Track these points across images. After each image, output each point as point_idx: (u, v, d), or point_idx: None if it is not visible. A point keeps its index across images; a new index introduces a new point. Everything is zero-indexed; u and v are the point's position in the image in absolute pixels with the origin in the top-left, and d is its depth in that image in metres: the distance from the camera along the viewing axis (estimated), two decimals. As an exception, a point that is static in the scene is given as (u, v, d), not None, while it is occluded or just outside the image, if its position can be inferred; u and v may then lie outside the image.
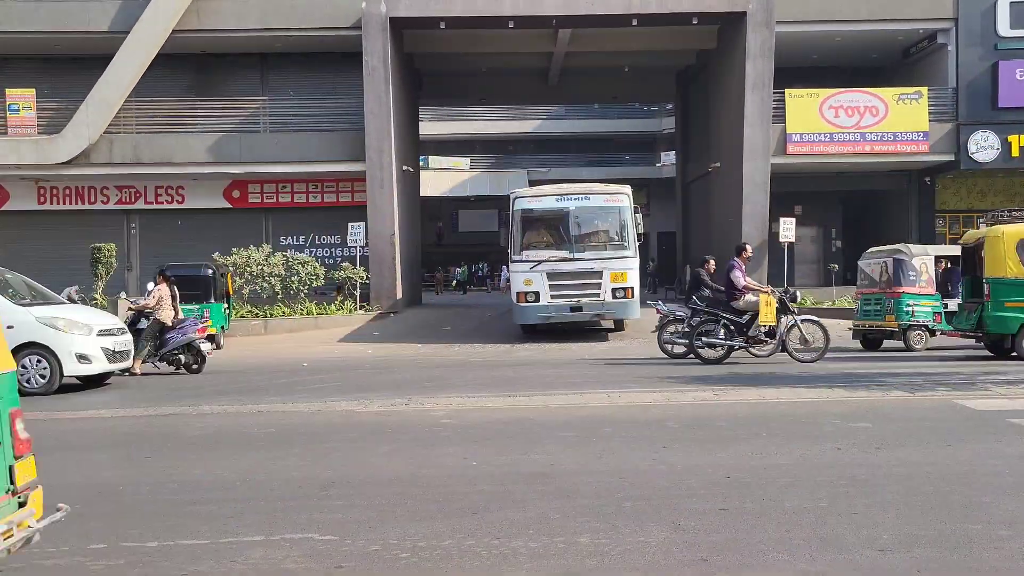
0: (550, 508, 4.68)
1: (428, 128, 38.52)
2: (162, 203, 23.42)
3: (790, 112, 23.08)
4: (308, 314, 19.35)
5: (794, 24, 22.67)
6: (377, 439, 6.84)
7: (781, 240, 22.45)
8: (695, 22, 22.96)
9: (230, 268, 18.74)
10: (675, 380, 10.04)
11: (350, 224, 20.77)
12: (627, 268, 16.08)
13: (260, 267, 19.28)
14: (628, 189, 16.80)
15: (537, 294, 15.98)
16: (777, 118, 22.73)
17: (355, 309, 20.16)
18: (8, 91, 22.01)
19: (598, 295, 15.91)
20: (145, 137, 22.04)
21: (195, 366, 12.36)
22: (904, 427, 6.92)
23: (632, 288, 16.06)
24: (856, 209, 28.54)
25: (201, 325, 12.73)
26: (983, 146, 22.70)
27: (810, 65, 25.80)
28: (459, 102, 39.07)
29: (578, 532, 4.22)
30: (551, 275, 15.91)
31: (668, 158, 42.63)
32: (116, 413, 8.58)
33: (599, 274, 15.92)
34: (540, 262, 16.04)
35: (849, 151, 23.27)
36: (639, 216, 16.96)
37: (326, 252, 23.40)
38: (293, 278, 19.52)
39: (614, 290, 15.93)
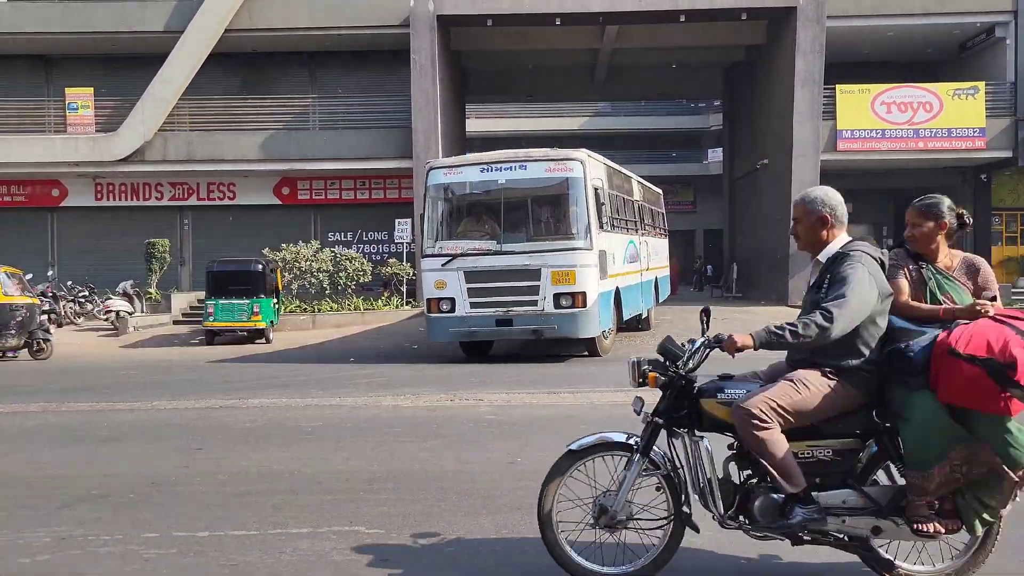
0: (594, 505, 4.67)
1: (474, 125, 38.64)
2: (214, 199, 23.83)
3: (841, 108, 22.70)
4: (355, 309, 19.54)
5: (845, 19, 22.30)
6: (423, 434, 6.89)
7: (831, 238, 22.10)
8: (744, 17, 22.71)
9: (279, 264, 19.02)
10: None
11: (397, 220, 20.92)
12: (575, 265, 11.52)
13: (308, 263, 19.52)
14: (584, 154, 12.09)
15: (452, 301, 11.89)
16: (827, 114, 22.38)
17: (401, 305, 20.31)
18: (68, 90, 22.61)
19: (535, 303, 11.60)
20: (198, 135, 22.44)
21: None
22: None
23: (583, 294, 11.51)
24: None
25: None
26: (1043, 142, 22.12)
27: (862, 60, 25.36)
28: (505, 99, 39.09)
29: (622, 530, 4.20)
30: (470, 275, 11.79)
31: (715, 155, 42.22)
32: (167, 405, 8.77)
33: (535, 273, 11.61)
34: (454, 257, 11.88)
35: (902, 148, 22.81)
36: (642, 193, 14.06)
37: (373, 248, 23.61)
38: (341, 274, 19.72)
39: (557, 296, 11.54)
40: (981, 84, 22.55)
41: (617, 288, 13.13)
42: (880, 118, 22.60)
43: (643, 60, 27.76)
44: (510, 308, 11.72)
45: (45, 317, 15.82)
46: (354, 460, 5.96)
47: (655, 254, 17.49)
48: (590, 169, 11.97)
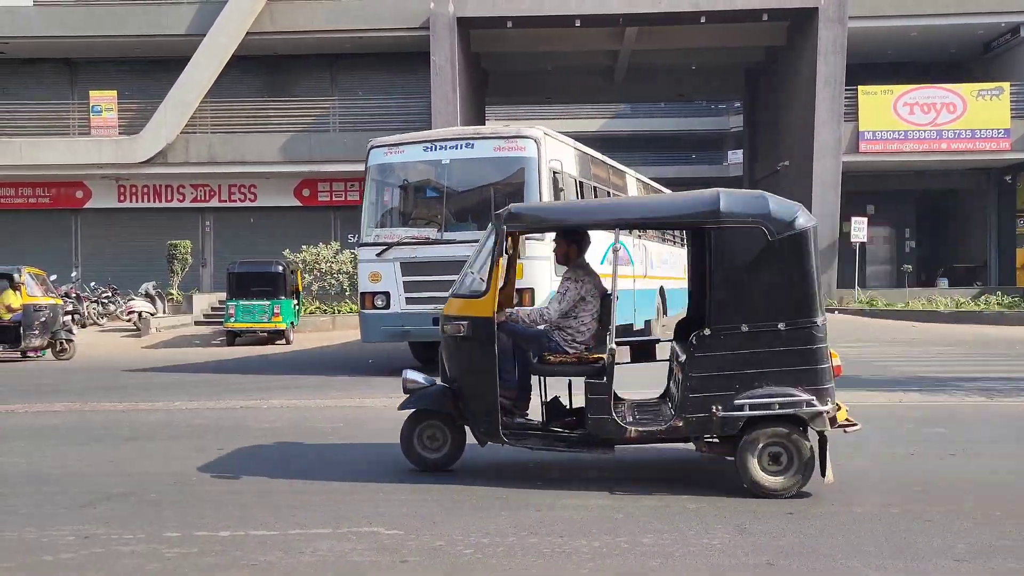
0: (613, 507, 4.67)
1: (494, 127, 38.59)
2: (235, 201, 23.99)
3: (863, 109, 22.54)
4: (374, 311, 19.58)
5: (868, 19, 22.15)
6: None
7: (853, 240, 21.96)
8: (765, 18, 22.61)
9: (300, 265, 19.12)
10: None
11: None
12: (528, 257, 9.83)
13: (329, 264, 19.61)
14: (539, 132, 10.71)
15: (387, 296, 10.69)
16: (849, 115, 22.23)
17: (420, 307, 20.34)
18: (92, 93, 22.86)
19: None
20: (220, 137, 22.61)
21: None
22: (982, 433, 6.70)
23: (531, 291, 10.01)
24: (931, 208, 27.73)
25: None
26: (1069, 143, 21.86)
27: (884, 61, 25.17)
28: (525, 101, 39.10)
29: (641, 532, 4.20)
30: (407, 266, 10.55)
31: (735, 156, 42.04)
32: (188, 406, 8.83)
33: None
34: (390, 246, 10.68)
35: (925, 149, 22.62)
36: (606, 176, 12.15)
37: (393, 250, 23.65)
38: (360, 275, 19.79)
39: None
40: (1006, 85, 22.33)
41: None
42: (903, 119, 22.43)
43: (663, 61, 27.69)
44: None
45: (68, 318, 15.99)
46: (373, 460, 5.98)
47: (662, 262, 16.15)
48: (547, 149, 10.56)
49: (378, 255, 10.70)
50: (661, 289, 15.67)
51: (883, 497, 4.83)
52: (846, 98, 21.95)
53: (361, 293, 11.07)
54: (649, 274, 15.02)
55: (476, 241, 9.50)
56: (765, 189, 5.89)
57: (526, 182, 10.38)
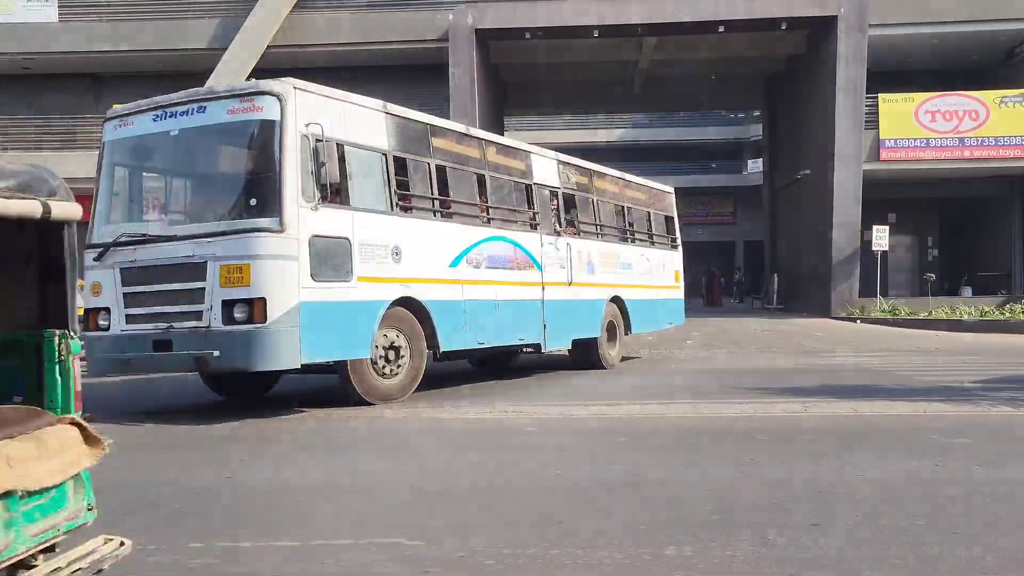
0: (635, 519, 4.64)
1: (512, 138, 38.77)
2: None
3: (883, 117, 22.43)
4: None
5: (888, 27, 22.07)
6: (463, 445, 6.91)
7: (874, 249, 21.82)
8: (784, 27, 22.59)
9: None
10: (763, 391, 9.85)
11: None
12: (251, 255, 7.63)
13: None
14: (287, 87, 8.05)
15: (109, 312, 8.29)
16: (870, 123, 22.13)
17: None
18: (115, 106, 23.08)
19: (199, 314, 7.78)
20: (240, 149, 22.81)
21: None
22: (1009, 445, 6.62)
23: (263, 301, 7.57)
24: (954, 216, 27.53)
25: None
26: (1093, 150, 21.64)
27: (905, 68, 25.05)
28: (544, 112, 39.25)
29: (664, 544, 4.17)
30: (127, 273, 8.20)
31: (755, 165, 41.93)
32: (209, 417, 8.88)
33: (200, 269, 7.78)
34: (107, 247, 8.30)
35: (947, 157, 22.47)
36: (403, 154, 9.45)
37: (412, 261, 23.73)
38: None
39: (228, 304, 7.66)
40: (1029, 91, 22.16)
41: (415, 300, 9.23)
42: (924, 127, 22.31)
43: (682, 71, 27.70)
44: (172, 323, 7.92)
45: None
46: (393, 471, 5.99)
47: (621, 266, 13.73)
48: (298, 109, 8.02)
49: (96, 259, 8.37)
50: (616, 299, 13.36)
51: (908, 508, 4.78)
52: (867, 106, 21.84)
53: (84, 310, 8.47)
54: (610, 282, 13.09)
55: (210, 236, 7.81)
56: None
57: (266, 151, 7.98)
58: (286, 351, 7.77)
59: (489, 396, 9.92)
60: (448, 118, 21.66)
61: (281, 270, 7.72)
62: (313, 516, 4.83)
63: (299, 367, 8.05)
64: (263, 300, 7.58)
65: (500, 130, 28.45)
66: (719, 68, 27.57)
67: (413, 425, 8.02)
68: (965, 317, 20.55)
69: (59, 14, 23.13)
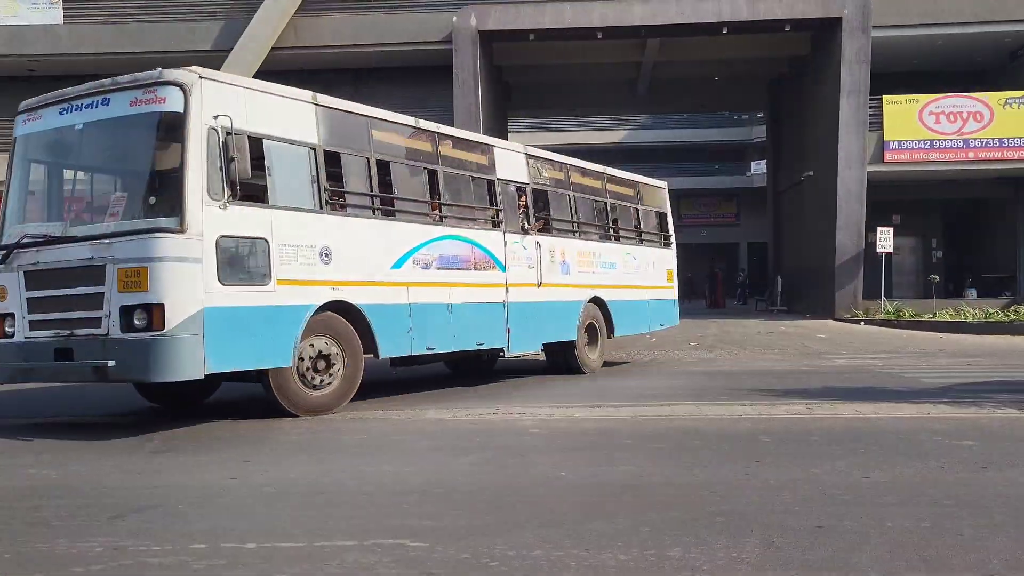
0: (640, 521, 4.64)
1: (517, 139, 38.82)
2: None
3: (888, 119, 22.43)
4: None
5: (892, 28, 22.07)
6: (467, 447, 6.90)
7: (878, 250, 21.82)
8: (788, 29, 22.60)
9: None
10: (767, 393, 9.84)
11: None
12: (150, 258, 7.13)
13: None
14: (192, 77, 7.47)
15: (14, 318, 7.93)
16: (874, 125, 22.14)
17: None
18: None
19: (98, 321, 7.34)
20: (244, 151, 22.82)
21: None
22: (1014, 447, 6.60)
23: (161, 307, 7.06)
24: (958, 218, 27.50)
25: None
26: (1098, 152, 21.61)
27: (909, 70, 25.04)
28: (548, 113, 39.30)
29: (669, 546, 4.17)
30: (30, 277, 7.83)
31: (759, 167, 41.92)
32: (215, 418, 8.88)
33: (99, 273, 7.33)
34: (10, 249, 7.97)
35: (951, 159, 22.46)
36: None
37: (416, 262, 23.74)
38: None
39: (127, 311, 7.20)
40: (1033, 93, 22.13)
41: (348, 304, 8.67)
42: (928, 128, 22.30)
43: (685, 73, 27.72)
44: (74, 330, 7.48)
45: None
46: (398, 472, 5.99)
47: (604, 265, 13.20)
48: (204, 99, 7.47)
49: (1, 261, 8.01)
50: (597, 300, 12.85)
51: (913, 511, 4.77)
52: (870, 108, 21.83)
53: None
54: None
55: (109, 238, 7.32)
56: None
57: (168, 147, 7.51)
58: (188, 360, 7.19)
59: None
60: (452, 119, 21.70)
61: (182, 273, 7.19)
62: (320, 516, 4.84)
63: (202, 377, 7.42)
64: (161, 306, 7.08)
65: (504, 132, 28.47)
66: (723, 70, 27.56)
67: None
68: (970, 319, 20.50)
69: (64, 16, 23.18)
